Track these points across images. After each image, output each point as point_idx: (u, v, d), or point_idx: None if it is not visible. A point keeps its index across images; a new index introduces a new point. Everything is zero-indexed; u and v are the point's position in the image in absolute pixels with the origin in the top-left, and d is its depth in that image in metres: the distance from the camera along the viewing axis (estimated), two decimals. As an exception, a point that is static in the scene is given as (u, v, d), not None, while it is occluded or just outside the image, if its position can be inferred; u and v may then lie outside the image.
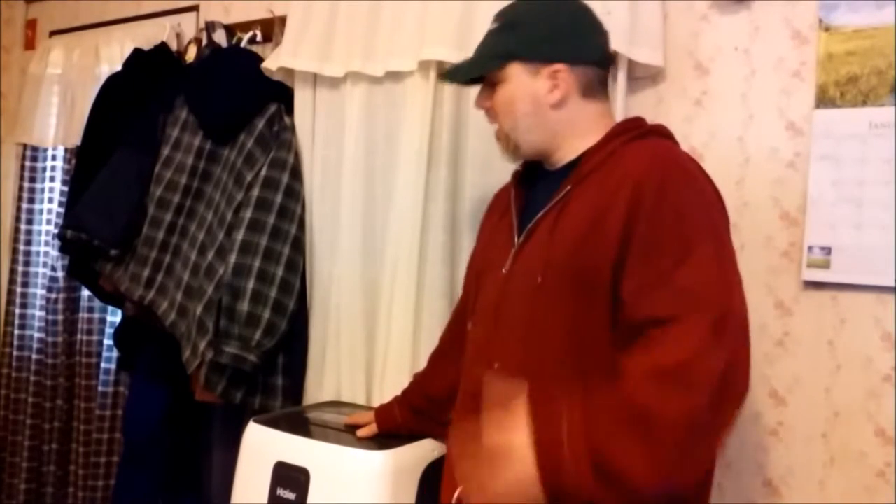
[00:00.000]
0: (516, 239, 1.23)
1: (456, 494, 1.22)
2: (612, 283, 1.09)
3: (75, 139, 2.50)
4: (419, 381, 1.55)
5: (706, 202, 1.12)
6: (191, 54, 2.24)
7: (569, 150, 1.22)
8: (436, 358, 1.55)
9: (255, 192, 1.84)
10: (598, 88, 1.24)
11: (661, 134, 1.23)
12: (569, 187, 1.17)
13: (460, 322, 1.45)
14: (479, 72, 1.26)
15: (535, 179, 1.29)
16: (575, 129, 1.22)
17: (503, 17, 1.26)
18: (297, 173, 1.90)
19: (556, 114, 1.21)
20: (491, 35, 1.26)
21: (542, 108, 1.21)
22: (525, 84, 1.21)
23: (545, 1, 1.25)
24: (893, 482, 1.36)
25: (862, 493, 1.39)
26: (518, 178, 1.33)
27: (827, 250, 1.42)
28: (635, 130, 1.20)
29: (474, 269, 1.39)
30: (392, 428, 1.51)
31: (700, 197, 1.11)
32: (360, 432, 1.52)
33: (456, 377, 1.36)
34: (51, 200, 2.78)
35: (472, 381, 1.24)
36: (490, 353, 1.21)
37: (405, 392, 1.55)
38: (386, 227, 1.81)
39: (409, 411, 1.51)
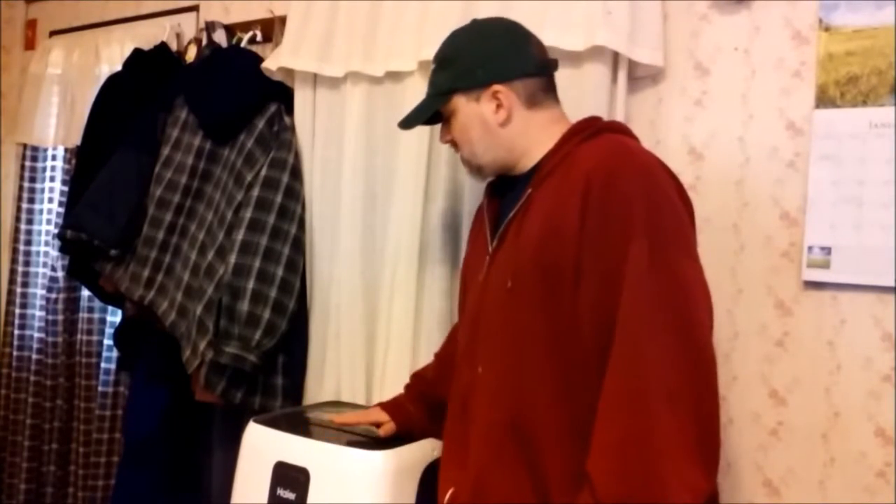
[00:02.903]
0: (490, 246, 1.27)
1: (448, 495, 1.23)
2: (573, 282, 1.12)
3: (75, 139, 2.50)
4: (430, 380, 1.52)
5: (653, 188, 1.12)
6: (191, 54, 2.24)
7: (528, 160, 1.27)
8: (441, 364, 1.53)
9: (255, 191, 1.84)
10: (542, 97, 1.28)
11: (616, 130, 1.26)
12: (529, 191, 1.22)
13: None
14: (427, 114, 1.34)
15: (504, 190, 1.34)
16: (529, 140, 1.27)
17: (438, 57, 1.34)
18: (297, 173, 1.90)
19: (506, 130, 1.27)
20: (432, 76, 1.34)
21: (492, 129, 1.27)
22: (471, 111, 1.28)
23: (473, 30, 1.32)
24: (893, 482, 1.36)
25: (862, 493, 1.39)
26: (490, 189, 1.38)
27: (827, 250, 1.42)
28: (588, 130, 1.24)
29: (463, 282, 1.44)
30: (409, 425, 1.48)
31: (646, 183, 1.12)
32: (383, 430, 1.47)
33: None
34: (51, 200, 2.78)
35: (459, 385, 1.29)
36: (473, 358, 1.24)
37: (413, 389, 1.53)
38: (386, 227, 1.81)
39: (425, 408, 1.48)
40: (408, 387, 1.55)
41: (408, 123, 1.37)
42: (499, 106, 1.26)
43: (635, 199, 1.09)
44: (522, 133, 1.27)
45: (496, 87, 1.25)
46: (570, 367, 1.12)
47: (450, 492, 1.24)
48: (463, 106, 1.28)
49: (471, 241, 1.44)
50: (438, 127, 1.38)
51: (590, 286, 1.10)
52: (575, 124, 1.26)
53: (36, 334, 2.75)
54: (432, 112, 1.33)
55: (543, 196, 1.19)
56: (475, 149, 1.29)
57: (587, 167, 1.14)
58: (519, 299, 1.17)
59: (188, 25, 2.41)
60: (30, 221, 2.79)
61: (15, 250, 2.78)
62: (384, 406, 1.52)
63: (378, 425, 1.48)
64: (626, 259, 1.07)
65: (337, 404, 1.79)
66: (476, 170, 1.33)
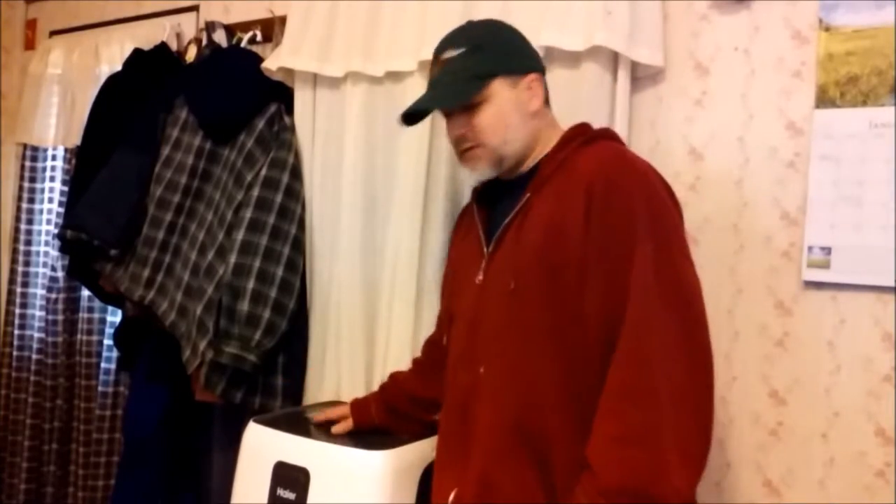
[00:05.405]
0: (485, 249, 1.27)
1: (452, 496, 1.23)
2: (578, 283, 1.14)
3: (75, 139, 2.50)
4: (402, 383, 1.55)
5: (652, 194, 1.17)
6: (191, 54, 2.24)
7: (531, 159, 1.28)
8: (421, 368, 1.56)
9: (255, 191, 1.84)
10: (548, 98, 1.31)
11: (609, 137, 1.29)
12: (528, 195, 1.22)
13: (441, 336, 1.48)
14: (466, 96, 1.24)
15: (495, 194, 1.33)
16: (541, 136, 1.28)
17: (464, 42, 1.27)
18: (297, 173, 1.90)
19: (535, 122, 1.27)
20: (459, 60, 1.26)
21: (526, 117, 1.26)
22: (510, 97, 1.25)
23: (491, 24, 1.33)
24: (893, 482, 1.36)
25: (862, 493, 1.39)
26: (477, 194, 1.37)
27: (827, 250, 1.42)
28: (584, 136, 1.26)
29: (448, 286, 1.43)
30: (367, 425, 1.52)
31: (645, 189, 1.16)
32: (336, 429, 1.52)
33: (441, 389, 1.40)
34: (51, 200, 2.79)
35: (458, 388, 1.28)
36: (473, 359, 1.24)
37: (384, 390, 1.56)
38: (386, 227, 1.81)
39: (387, 411, 1.52)
40: (382, 387, 1.57)
41: (431, 104, 1.29)
42: (533, 95, 1.26)
43: (637, 203, 1.13)
44: (541, 128, 1.28)
45: (533, 75, 1.26)
46: (574, 365, 1.15)
47: (453, 493, 1.24)
48: (502, 91, 1.24)
49: (456, 245, 1.45)
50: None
51: (595, 285, 1.13)
52: (568, 131, 1.28)
53: (36, 334, 2.75)
54: (474, 94, 1.24)
55: (543, 200, 1.21)
56: (508, 136, 1.25)
57: (588, 171, 1.17)
58: (522, 300, 1.18)
59: (188, 25, 2.41)
60: (30, 221, 2.79)
61: (15, 250, 2.78)
62: (353, 403, 1.56)
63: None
64: (631, 260, 1.10)
65: (337, 404, 1.78)
66: (497, 162, 1.26)
